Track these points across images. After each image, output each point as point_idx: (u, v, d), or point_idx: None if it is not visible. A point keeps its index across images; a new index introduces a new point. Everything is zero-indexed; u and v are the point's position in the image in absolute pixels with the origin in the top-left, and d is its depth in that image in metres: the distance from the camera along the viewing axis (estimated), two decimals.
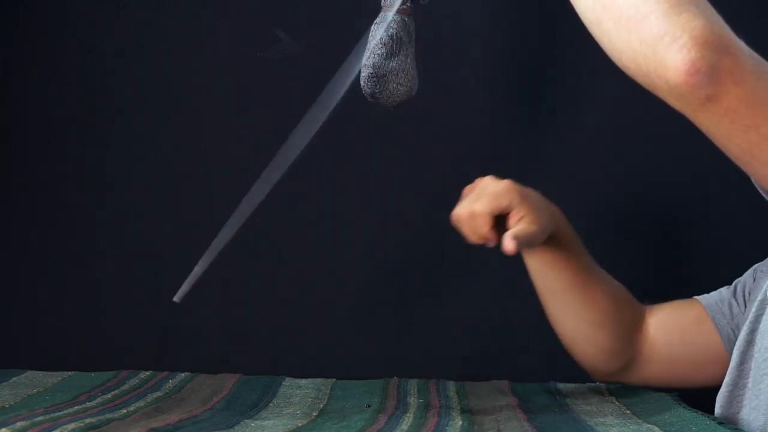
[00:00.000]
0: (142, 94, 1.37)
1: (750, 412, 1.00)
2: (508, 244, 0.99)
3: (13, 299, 1.36)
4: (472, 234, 1.03)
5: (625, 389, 1.17)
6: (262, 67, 1.35)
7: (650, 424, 0.97)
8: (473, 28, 1.36)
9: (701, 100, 0.75)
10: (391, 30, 1.06)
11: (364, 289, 1.36)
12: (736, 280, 1.13)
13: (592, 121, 1.35)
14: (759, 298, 1.02)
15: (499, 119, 1.38)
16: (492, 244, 1.02)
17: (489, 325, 1.35)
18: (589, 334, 1.11)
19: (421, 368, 1.29)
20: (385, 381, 1.24)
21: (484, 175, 1.36)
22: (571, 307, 1.10)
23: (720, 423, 0.94)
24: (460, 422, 0.99)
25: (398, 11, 1.08)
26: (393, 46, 1.06)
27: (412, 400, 1.13)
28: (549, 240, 1.07)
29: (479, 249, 1.35)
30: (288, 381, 1.24)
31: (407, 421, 1.01)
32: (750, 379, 1.01)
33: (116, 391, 1.13)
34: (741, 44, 0.75)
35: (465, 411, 1.07)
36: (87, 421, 0.89)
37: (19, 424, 0.85)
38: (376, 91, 1.07)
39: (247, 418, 1.00)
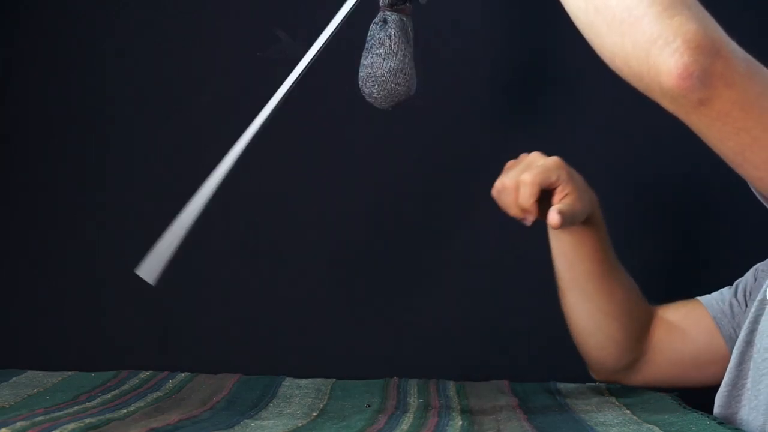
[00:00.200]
0: (142, 94, 1.37)
1: (749, 412, 1.00)
2: (555, 217, 0.99)
3: (13, 299, 1.36)
4: (512, 206, 1.02)
5: (625, 389, 1.18)
6: (262, 67, 1.35)
7: (650, 424, 0.97)
8: (472, 28, 1.36)
9: (694, 103, 0.75)
10: (389, 30, 1.06)
11: (364, 289, 1.36)
12: (737, 280, 1.13)
13: (592, 121, 1.35)
14: (758, 298, 1.02)
15: (499, 119, 1.38)
16: (531, 218, 1.01)
17: (489, 325, 1.35)
18: (603, 325, 1.11)
19: (421, 368, 1.29)
20: (385, 381, 1.24)
21: (483, 175, 1.36)
22: (590, 295, 1.10)
23: (720, 423, 0.95)
24: (460, 422, 0.99)
25: (397, 11, 1.08)
26: (391, 46, 1.06)
27: (412, 400, 1.13)
28: (582, 224, 1.07)
29: (478, 249, 1.36)
30: (288, 381, 1.24)
31: (407, 421, 1.01)
32: (749, 380, 1.01)
33: (116, 391, 1.13)
34: (734, 46, 0.76)
35: (465, 411, 1.07)
36: (87, 421, 0.89)
37: (19, 424, 0.85)
38: (374, 91, 1.07)
39: (247, 418, 1.00)
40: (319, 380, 1.25)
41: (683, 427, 0.94)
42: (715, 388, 1.06)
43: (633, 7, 0.76)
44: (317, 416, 1.04)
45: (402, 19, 1.08)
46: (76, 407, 1.01)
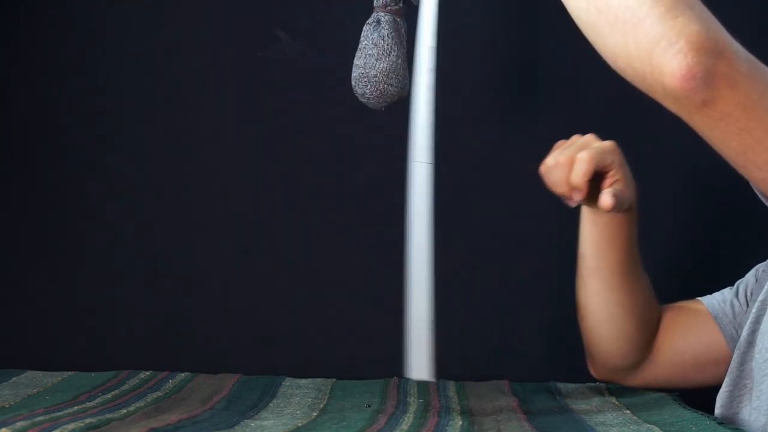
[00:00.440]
0: (143, 94, 1.36)
1: (751, 413, 1.00)
2: (610, 199, 0.99)
3: (13, 299, 1.36)
4: (562, 183, 1.01)
5: (625, 389, 1.17)
6: (262, 67, 1.35)
7: (650, 424, 0.97)
8: (466, 29, 1.36)
9: (697, 104, 0.75)
10: (382, 31, 1.07)
11: (364, 289, 1.36)
12: (739, 281, 1.13)
13: (592, 121, 1.35)
14: (760, 298, 1.02)
15: (495, 119, 1.38)
16: (578, 197, 1.00)
17: (489, 325, 1.35)
18: (619, 319, 1.10)
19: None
20: (385, 381, 1.24)
21: (483, 175, 1.37)
22: (612, 287, 1.09)
23: (720, 423, 0.95)
24: (460, 422, 0.99)
25: (390, 11, 1.08)
26: (384, 46, 1.06)
27: (412, 400, 1.13)
28: (620, 214, 1.06)
29: (478, 249, 1.36)
30: (288, 381, 1.24)
31: (407, 421, 1.01)
32: (750, 380, 1.01)
33: (116, 391, 1.13)
34: (737, 47, 0.76)
35: (465, 411, 1.07)
36: (87, 421, 0.89)
37: (19, 424, 0.85)
38: (367, 91, 1.08)
39: (247, 418, 1.00)
40: (319, 380, 1.25)
41: (683, 427, 0.94)
42: (715, 388, 1.06)
43: (635, 7, 0.76)
44: (317, 416, 1.04)
45: (395, 20, 1.08)
46: (76, 407, 1.01)
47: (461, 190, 1.36)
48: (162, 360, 1.29)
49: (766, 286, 1.02)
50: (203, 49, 1.37)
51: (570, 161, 1.00)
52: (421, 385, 1.23)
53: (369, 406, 1.08)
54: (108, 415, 0.95)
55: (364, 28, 1.09)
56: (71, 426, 0.86)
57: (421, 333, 0.99)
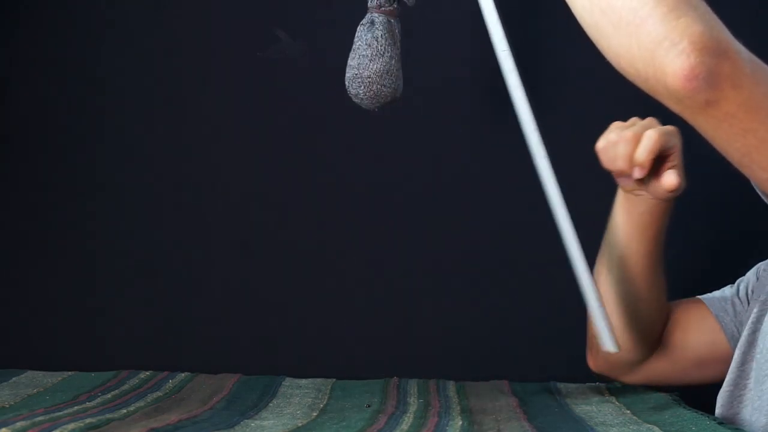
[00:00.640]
0: (143, 94, 1.37)
1: (752, 413, 1.00)
2: (675, 178, 0.98)
3: (13, 299, 1.36)
4: (623, 158, 0.99)
5: (625, 389, 1.17)
6: (262, 67, 1.35)
7: (650, 424, 0.97)
8: (460, 30, 1.36)
9: (700, 104, 0.75)
10: (376, 31, 1.07)
11: (364, 289, 1.36)
12: (739, 279, 1.13)
13: (591, 121, 1.35)
14: (761, 298, 1.02)
15: (491, 119, 1.38)
16: (639, 174, 0.99)
17: (489, 325, 1.35)
18: (635, 311, 1.10)
19: (421, 368, 1.29)
20: (385, 381, 1.24)
21: (483, 175, 1.37)
22: (634, 277, 1.09)
23: (720, 423, 0.94)
24: (460, 422, 0.99)
25: (384, 12, 1.08)
26: (378, 47, 1.06)
27: (412, 400, 1.13)
28: (659, 204, 1.05)
29: (478, 249, 1.36)
30: (288, 381, 1.24)
31: (407, 421, 1.01)
32: (751, 380, 1.01)
33: (116, 391, 1.13)
34: (740, 48, 0.75)
35: (465, 411, 1.07)
36: (87, 421, 0.89)
37: (19, 424, 0.85)
38: (360, 92, 1.08)
39: (247, 418, 1.00)
40: (319, 380, 1.25)
41: (683, 427, 0.94)
42: (715, 387, 1.06)
43: (638, 8, 0.76)
44: (317, 416, 1.04)
45: (389, 21, 1.08)
46: (76, 407, 1.01)
47: (461, 190, 1.36)
48: (162, 360, 1.29)
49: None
50: (203, 49, 1.37)
51: (636, 138, 0.99)
52: (421, 385, 1.23)
53: (369, 406, 1.08)
54: (108, 415, 0.95)
55: (357, 28, 1.09)
56: (71, 426, 0.86)
57: (597, 311, 1.00)
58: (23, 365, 1.26)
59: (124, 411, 1.00)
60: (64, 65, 1.37)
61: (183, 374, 1.26)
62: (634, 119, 1.02)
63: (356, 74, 1.08)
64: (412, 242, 1.36)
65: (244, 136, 1.37)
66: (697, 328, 1.12)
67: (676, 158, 1.00)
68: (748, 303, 1.10)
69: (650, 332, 1.11)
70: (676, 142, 1.00)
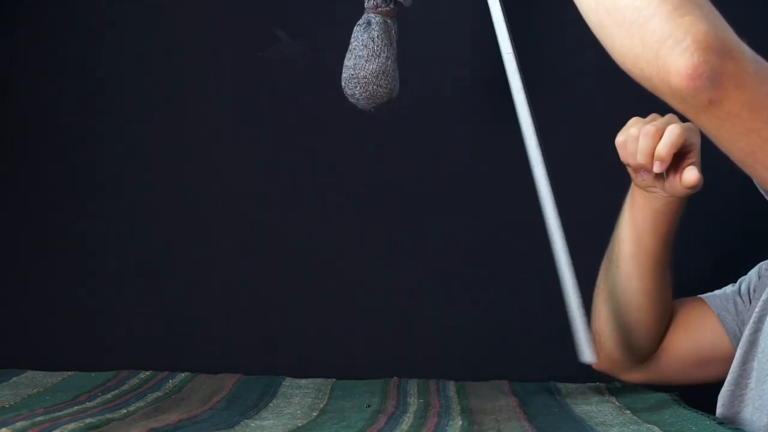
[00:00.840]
0: (143, 94, 1.37)
1: (753, 412, 1.00)
2: (696, 174, 0.98)
3: (13, 299, 1.36)
4: (644, 153, 0.99)
5: (625, 389, 1.17)
6: (263, 67, 1.35)
7: (650, 424, 0.97)
8: (456, 30, 1.36)
9: (703, 103, 0.74)
10: (372, 32, 1.07)
11: (364, 289, 1.36)
12: (741, 278, 1.13)
13: (591, 120, 1.35)
14: (764, 297, 1.02)
15: (489, 120, 1.38)
16: (659, 169, 0.99)
17: (489, 325, 1.35)
18: (643, 308, 1.10)
19: (421, 368, 1.29)
20: (385, 381, 1.24)
21: (482, 175, 1.36)
22: (643, 275, 1.09)
23: (720, 423, 0.95)
24: (460, 422, 0.99)
25: (380, 13, 1.08)
26: (374, 48, 1.06)
27: (412, 400, 1.13)
28: (673, 202, 1.06)
29: (478, 249, 1.36)
30: (288, 381, 1.24)
31: (407, 421, 1.01)
32: (753, 379, 1.01)
33: (116, 391, 1.13)
34: (744, 47, 0.75)
35: (465, 411, 1.07)
36: (87, 421, 0.89)
37: (19, 424, 0.85)
38: (357, 92, 1.08)
39: (247, 418, 1.00)
40: (319, 380, 1.25)
41: (683, 427, 0.94)
42: (716, 387, 1.06)
43: (642, 7, 0.76)
44: (317, 416, 1.04)
45: (386, 22, 1.08)
46: (76, 407, 1.01)
47: (461, 190, 1.36)
48: (162, 360, 1.29)
49: None
50: (203, 49, 1.37)
51: (659, 132, 0.99)
52: (421, 385, 1.23)
53: (369, 406, 1.08)
54: (108, 415, 0.95)
55: (354, 29, 1.09)
56: (71, 426, 0.86)
57: (579, 320, 1.02)
58: (23, 365, 1.26)
59: (124, 411, 1.00)
60: (64, 65, 1.37)
61: (183, 374, 1.26)
62: (654, 115, 1.02)
63: (352, 74, 1.08)
64: (412, 242, 1.36)
65: (244, 136, 1.37)
66: (699, 327, 1.12)
67: (695, 155, 1.00)
68: (750, 302, 1.10)
69: (654, 330, 1.11)
70: (696, 139, 1.00)
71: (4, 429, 0.83)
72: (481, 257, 1.36)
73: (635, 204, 1.08)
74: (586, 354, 1.02)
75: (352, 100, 1.10)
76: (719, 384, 1.06)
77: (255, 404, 1.10)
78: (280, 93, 1.36)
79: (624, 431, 0.95)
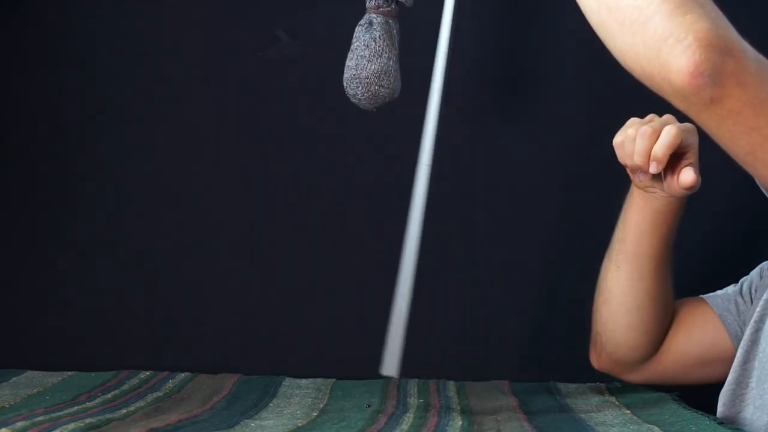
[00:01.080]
0: (143, 94, 1.36)
1: (754, 412, 1.00)
2: (692, 175, 0.98)
3: (13, 299, 1.36)
4: (641, 154, 0.99)
5: (625, 389, 1.17)
6: (263, 67, 1.35)
7: (650, 424, 0.97)
8: (462, 29, 1.36)
9: (705, 101, 0.74)
10: (374, 32, 1.07)
11: (364, 289, 1.36)
12: (743, 279, 1.13)
13: (590, 120, 1.35)
14: (764, 297, 1.03)
15: (489, 120, 1.38)
16: (655, 170, 0.99)
17: (489, 325, 1.35)
18: (644, 308, 1.10)
19: (421, 368, 1.29)
20: (385, 381, 1.24)
21: (481, 175, 1.36)
22: (644, 275, 1.09)
23: (720, 423, 0.95)
24: (460, 422, 0.99)
25: (382, 13, 1.08)
26: (376, 48, 1.06)
27: (412, 400, 1.13)
28: (672, 202, 1.06)
29: (478, 249, 1.36)
30: (288, 381, 1.24)
31: (407, 421, 1.01)
32: (754, 379, 1.01)
33: (116, 391, 1.13)
34: (745, 46, 0.75)
35: (465, 411, 1.07)
36: (87, 421, 0.89)
37: (19, 424, 0.85)
38: (359, 92, 1.08)
39: (247, 418, 1.00)
40: (319, 380, 1.25)
41: (683, 427, 0.94)
42: (716, 387, 1.06)
43: (644, 6, 0.75)
44: (317, 416, 1.04)
45: (387, 22, 1.08)
46: (76, 407, 1.01)
47: (461, 190, 1.36)
48: (162, 360, 1.29)
49: None
50: (203, 49, 1.37)
51: (656, 133, 0.99)
52: (421, 385, 1.23)
53: (369, 406, 1.08)
54: (108, 415, 0.95)
55: (356, 29, 1.09)
56: (71, 426, 0.86)
57: (397, 332, 1.02)
58: (23, 365, 1.26)
59: (124, 411, 1.00)
60: (64, 65, 1.37)
61: (183, 374, 1.26)
62: (651, 116, 1.03)
63: (354, 75, 1.08)
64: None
65: (244, 136, 1.36)
66: (701, 328, 1.12)
67: (692, 156, 1.01)
68: (752, 302, 1.10)
69: (657, 329, 1.12)
70: (693, 140, 1.00)
71: (4, 429, 0.83)
72: (481, 257, 1.36)
73: (635, 204, 1.08)
74: (389, 367, 1.01)
75: (354, 101, 1.10)
76: (720, 384, 1.06)
77: (255, 404, 1.10)
78: (280, 93, 1.36)
79: (624, 431, 0.95)
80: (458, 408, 1.09)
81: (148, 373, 1.25)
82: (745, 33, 0.76)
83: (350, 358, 1.34)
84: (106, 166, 1.37)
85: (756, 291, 1.10)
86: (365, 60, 1.07)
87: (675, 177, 1.01)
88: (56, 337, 1.34)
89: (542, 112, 1.37)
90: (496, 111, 1.39)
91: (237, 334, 1.35)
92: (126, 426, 0.91)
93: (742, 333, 1.07)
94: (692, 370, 1.14)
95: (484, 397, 1.16)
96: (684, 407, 1.05)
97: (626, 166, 1.03)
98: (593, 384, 1.22)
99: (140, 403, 1.06)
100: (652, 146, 0.98)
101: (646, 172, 1.00)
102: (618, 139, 1.02)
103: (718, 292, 1.14)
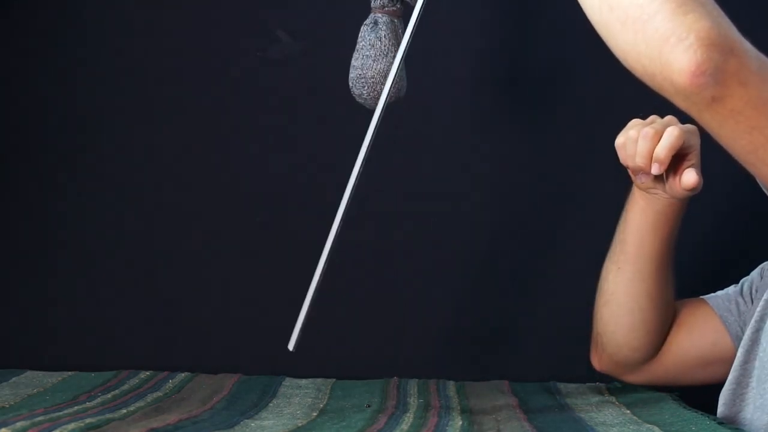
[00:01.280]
0: (142, 95, 1.36)
1: (754, 411, 1.00)
2: (695, 176, 0.98)
3: (13, 299, 1.36)
4: (642, 155, 0.99)
5: (625, 389, 1.17)
6: (262, 67, 1.35)
7: (650, 424, 0.97)
8: (463, 29, 1.36)
9: (706, 101, 0.74)
10: (379, 32, 1.06)
11: (364, 289, 1.36)
12: (743, 279, 1.13)
13: (590, 119, 1.35)
14: (765, 297, 1.03)
15: (490, 120, 1.37)
16: (657, 171, 0.99)
17: (490, 324, 1.35)
18: (645, 309, 1.10)
19: (421, 368, 1.29)
20: (385, 381, 1.24)
21: (481, 175, 1.36)
22: (646, 276, 1.09)
23: (720, 423, 0.95)
24: (460, 422, 0.99)
25: (387, 13, 1.08)
26: (381, 48, 1.06)
27: (412, 400, 1.13)
28: (673, 204, 1.06)
29: (478, 249, 1.36)
30: (288, 381, 1.24)
31: (407, 421, 1.01)
32: (754, 379, 1.01)
33: (116, 391, 1.13)
34: (747, 45, 0.75)
35: (465, 411, 1.07)
36: (87, 421, 0.89)
37: (19, 424, 0.85)
38: (364, 92, 1.08)
39: (247, 418, 1.00)
40: (319, 380, 1.25)
41: (683, 427, 0.94)
42: (716, 387, 1.06)
43: (646, 5, 0.75)
44: (317, 416, 1.04)
45: (393, 21, 1.08)
46: (76, 407, 1.01)
47: (461, 190, 1.36)
48: (162, 360, 1.29)
49: None
50: (203, 49, 1.36)
51: (658, 134, 0.99)
52: (421, 385, 1.23)
53: (369, 406, 1.08)
54: (108, 415, 0.95)
55: (361, 29, 1.09)
56: (71, 426, 0.86)
57: (304, 311, 1.06)
58: (23, 365, 1.26)
59: (124, 411, 1.00)
60: (64, 65, 1.37)
61: (183, 374, 1.26)
62: (653, 117, 1.03)
63: (360, 75, 1.07)
64: (413, 242, 1.36)
65: (243, 135, 1.36)
66: (702, 328, 1.12)
67: (694, 157, 1.01)
68: (752, 302, 1.10)
69: (658, 331, 1.12)
70: (695, 141, 1.00)
71: (4, 429, 0.83)
72: (482, 257, 1.36)
73: (636, 206, 1.08)
74: (291, 342, 1.06)
75: (359, 101, 1.10)
76: (720, 384, 1.06)
77: (255, 404, 1.10)
78: (280, 93, 1.36)
79: (624, 431, 0.95)
80: (458, 408, 1.09)
81: (148, 373, 1.25)
82: (747, 32, 0.76)
83: (350, 358, 1.34)
84: (106, 166, 1.37)
85: (756, 291, 1.10)
86: (371, 60, 1.06)
87: (677, 178, 1.01)
88: (56, 337, 1.34)
89: (542, 112, 1.37)
90: (498, 111, 1.39)
91: (237, 335, 1.35)
92: (126, 426, 0.91)
93: (743, 333, 1.07)
94: (693, 371, 1.14)
95: (484, 397, 1.16)
96: (684, 407, 1.05)
97: (628, 167, 1.03)
98: (593, 384, 1.22)
99: (140, 403, 1.06)
100: (654, 148, 0.98)
101: (648, 173, 1.00)
102: (620, 141, 1.02)
103: (719, 292, 1.14)
